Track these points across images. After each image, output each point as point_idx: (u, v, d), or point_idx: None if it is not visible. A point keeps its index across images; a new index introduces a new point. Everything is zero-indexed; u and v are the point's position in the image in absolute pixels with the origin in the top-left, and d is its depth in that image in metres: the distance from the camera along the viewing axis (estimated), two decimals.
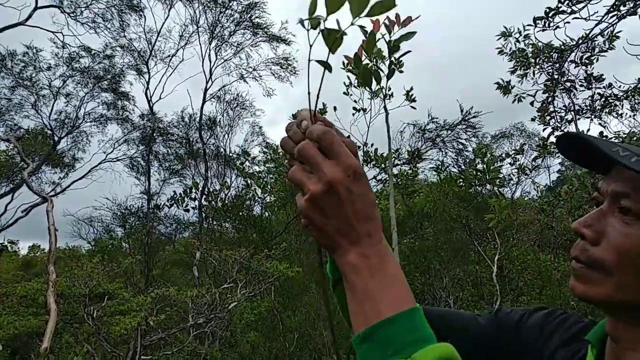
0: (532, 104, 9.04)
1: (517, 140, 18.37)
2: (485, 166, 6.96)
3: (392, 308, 0.58)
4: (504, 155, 16.87)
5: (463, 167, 8.66)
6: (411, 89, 9.96)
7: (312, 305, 7.37)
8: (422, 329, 0.58)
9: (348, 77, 10.06)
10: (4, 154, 13.86)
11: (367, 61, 3.27)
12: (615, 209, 0.66)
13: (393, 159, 8.63)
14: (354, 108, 10.59)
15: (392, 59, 2.62)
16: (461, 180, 7.42)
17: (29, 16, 10.80)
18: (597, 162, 0.71)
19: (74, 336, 7.20)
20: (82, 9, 12.41)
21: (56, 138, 14.34)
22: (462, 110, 8.44)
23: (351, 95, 10.24)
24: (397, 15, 3.01)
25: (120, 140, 15.27)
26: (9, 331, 7.15)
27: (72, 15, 12.02)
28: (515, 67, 9.00)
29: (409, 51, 2.08)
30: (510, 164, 17.02)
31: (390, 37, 2.88)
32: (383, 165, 10.58)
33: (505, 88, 9.35)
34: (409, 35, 3.19)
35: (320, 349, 6.82)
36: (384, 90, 9.58)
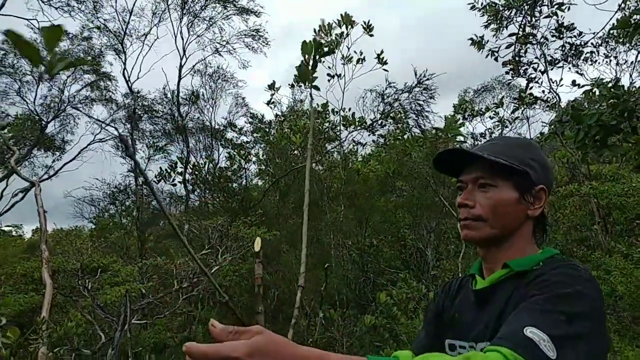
0: (496, 59, 9.19)
1: (499, 93, 18.56)
2: (446, 124, 7.30)
3: None
4: (483, 109, 17.19)
5: (422, 127, 9.07)
6: (382, 52, 10.21)
7: (287, 266, 7.92)
8: None
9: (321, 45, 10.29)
10: None
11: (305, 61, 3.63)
12: (476, 187, 1.11)
13: (357, 124, 8.97)
14: (328, 74, 10.86)
15: (318, 56, 3.02)
16: (421, 140, 7.81)
17: (2, 5, 10.90)
18: (453, 170, 1.18)
19: (74, 308, 7.76)
20: None
21: (44, 122, 14.57)
22: (415, 74, 8.74)
23: (324, 62, 10.50)
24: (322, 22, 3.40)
25: (108, 121, 15.53)
26: (15, 308, 7.71)
27: (44, 0, 12.09)
28: (489, 22, 9.10)
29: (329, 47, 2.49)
30: (490, 117, 17.35)
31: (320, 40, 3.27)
32: (362, 127, 10.93)
33: (479, 43, 9.46)
34: (336, 45, 3.68)
35: (295, 301, 7.41)
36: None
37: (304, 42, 2.79)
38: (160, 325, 7.84)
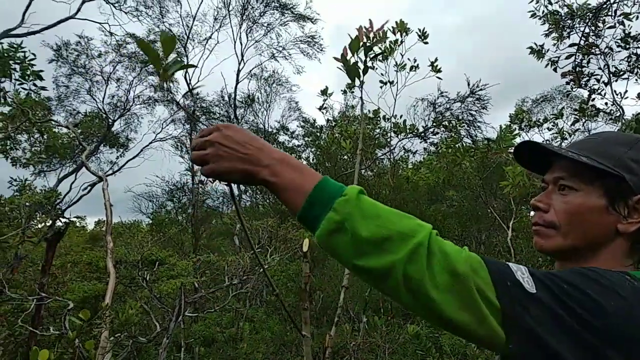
0: (555, 70, 8.94)
1: (559, 103, 17.90)
2: (499, 135, 7.20)
3: (313, 182, 0.81)
4: (541, 120, 16.61)
5: (474, 138, 8.93)
6: (436, 59, 10.16)
7: (333, 269, 8.05)
8: (339, 183, 0.83)
9: (379, 48, 10.38)
10: (67, 136, 15.19)
11: (352, 59, 3.85)
12: (556, 189, 0.95)
13: (408, 132, 8.98)
14: (381, 81, 10.93)
15: (368, 58, 3.13)
16: (472, 150, 7.73)
17: (78, 9, 11.76)
18: (541, 166, 1.02)
19: (133, 299, 8.25)
20: None
21: (110, 120, 15.51)
22: (468, 84, 8.63)
23: (377, 68, 10.58)
24: (371, 22, 3.53)
25: (168, 121, 16.34)
26: (79, 294, 8.28)
27: (116, 5, 12.91)
28: (550, 30, 8.86)
29: (382, 52, 2.62)
30: (548, 128, 16.73)
31: (367, 41, 3.39)
32: (413, 134, 10.91)
33: (538, 52, 9.24)
34: (382, 39, 3.71)
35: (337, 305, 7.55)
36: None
37: (353, 38, 2.88)
38: (211, 319, 8.20)
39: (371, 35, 3.33)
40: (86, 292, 8.28)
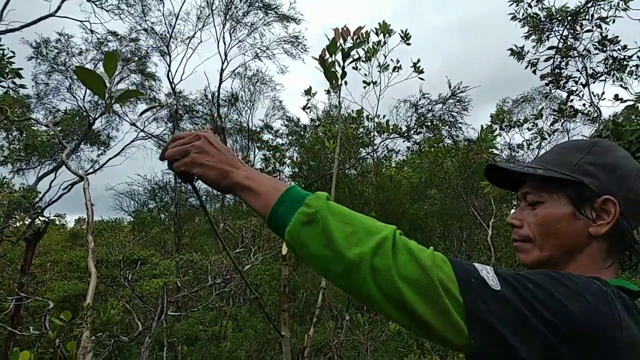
0: (534, 71, 9.10)
1: (539, 104, 18.19)
2: (480, 135, 7.35)
3: (285, 186, 0.87)
4: (522, 120, 16.91)
5: (455, 138, 9.10)
6: (418, 60, 10.29)
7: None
8: (305, 191, 0.87)
9: (357, 53, 10.47)
10: (46, 134, 14.96)
11: (330, 59, 3.88)
12: (527, 204, 0.97)
13: (391, 132, 9.09)
14: (364, 82, 11.02)
15: (345, 63, 3.17)
16: (453, 150, 7.86)
17: (58, 7, 11.56)
18: (515, 183, 1.03)
19: (115, 298, 8.20)
20: None
21: (91, 119, 15.30)
22: (449, 86, 8.79)
23: (360, 69, 10.67)
24: (345, 27, 3.57)
25: (150, 119, 16.18)
26: (60, 293, 8.19)
27: (97, 3, 12.73)
28: (530, 32, 9.01)
29: (359, 58, 2.66)
30: (528, 128, 17.03)
31: (344, 45, 3.42)
32: (396, 133, 11.03)
33: (519, 54, 9.39)
34: (359, 44, 3.76)
35: (322, 303, 7.61)
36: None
37: (330, 41, 2.92)
38: (193, 318, 8.18)
39: (348, 37, 3.36)
40: (66, 291, 8.19)
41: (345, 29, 3.29)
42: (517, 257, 1.03)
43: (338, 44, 3.36)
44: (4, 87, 7.76)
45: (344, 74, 3.10)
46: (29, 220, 9.02)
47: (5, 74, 7.61)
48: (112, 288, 7.71)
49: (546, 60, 8.88)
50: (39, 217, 8.70)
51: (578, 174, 0.90)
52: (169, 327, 7.91)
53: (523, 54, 9.32)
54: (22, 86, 7.96)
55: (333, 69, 3.45)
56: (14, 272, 9.05)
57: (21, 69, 7.68)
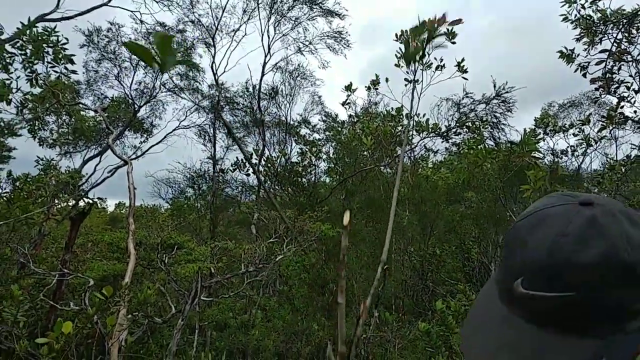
0: (584, 75, 8.81)
1: (586, 109, 17.55)
2: (523, 138, 7.14)
3: None
4: (567, 125, 16.32)
5: (497, 140, 8.85)
6: (462, 60, 10.07)
7: (350, 262, 8.12)
8: None
9: (400, 50, 10.35)
10: (93, 119, 15.53)
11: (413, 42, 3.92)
12: None
13: (431, 131, 8.94)
14: (406, 79, 10.87)
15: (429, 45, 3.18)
16: (494, 152, 7.67)
17: None
18: None
19: (151, 281, 8.46)
20: None
21: (136, 106, 15.78)
22: (494, 85, 8.55)
23: (402, 67, 10.52)
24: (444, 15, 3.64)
25: (192, 109, 16.54)
26: (99, 273, 8.52)
27: None
28: (582, 35, 8.71)
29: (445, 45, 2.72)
30: (574, 134, 16.42)
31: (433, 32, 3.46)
32: (435, 133, 10.86)
33: (568, 57, 9.11)
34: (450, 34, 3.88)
35: (351, 299, 7.62)
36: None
37: (419, 23, 2.95)
38: (224, 305, 8.35)
39: (437, 25, 3.37)
40: (105, 271, 8.50)
41: (436, 18, 3.36)
42: None
43: (425, 30, 3.36)
44: (57, 72, 8.09)
45: (423, 54, 3.09)
46: (73, 201, 9.42)
47: (59, 60, 7.93)
48: (148, 270, 7.96)
49: (597, 63, 8.58)
50: (84, 199, 9.07)
51: (622, 330, 0.64)
52: (200, 312, 8.11)
53: (573, 56, 9.04)
54: (74, 72, 8.27)
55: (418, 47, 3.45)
56: (57, 250, 9.47)
57: (73, 55, 7.99)
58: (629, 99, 9.11)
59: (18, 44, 7.28)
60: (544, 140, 12.95)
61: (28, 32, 7.12)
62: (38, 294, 6.43)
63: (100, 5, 11.77)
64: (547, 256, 0.67)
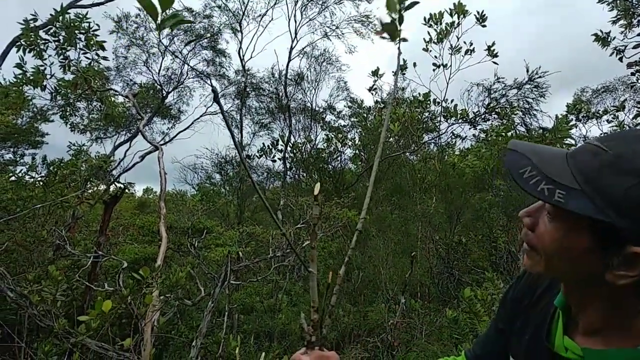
0: (620, 59, 8.54)
1: (621, 95, 16.97)
2: (555, 125, 6.97)
3: None
4: (601, 111, 15.82)
5: (529, 126, 8.63)
6: (493, 43, 9.87)
7: (374, 249, 8.11)
8: None
9: (428, 33, 10.22)
10: (122, 105, 15.82)
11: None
12: (545, 205, 0.79)
13: (459, 117, 8.80)
14: (434, 64, 10.72)
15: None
16: (526, 138, 7.49)
17: None
18: None
19: (180, 264, 8.65)
20: None
21: (164, 92, 15.99)
22: (527, 70, 8.32)
23: (430, 51, 10.38)
24: None
25: (219, 95, 16.63)
26: (131, 256, 8.74)
27: None
28: (619, 17, 8.44)
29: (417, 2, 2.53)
30: (607, 121, 15.92)
31: None
32: (463, 120, 10.69)
33: (604, 40, 8.84)
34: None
35: (378, 285, 7.64)
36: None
37: None
38: (252, 288, 8.48)
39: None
40: (137, 254, 8.72)
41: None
42: None
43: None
44: (88, 58, 8.24)
45: (400, 21, 2.80)
46: (104, 186, 9.63)
47: (91, 46, 8.07)
48: (177, 254, 8.13)
49: (635, 47, 8.31)
50: (115, 183, 9.28)
51: (618, 214, 0.65)
52: (229, 295, 8.25)
53: (609, 40, 8.77)
54: (105, 58, 8.41)
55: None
56: (90, 233, 9.75)
57: (104, 41, 8.12)
58: None
59: (51, 31, 7.41)
60: (576, 127, 12.60)
61: (61, 18, 7.24)
62: (74, 275, 6.66)
63: None
64: None
